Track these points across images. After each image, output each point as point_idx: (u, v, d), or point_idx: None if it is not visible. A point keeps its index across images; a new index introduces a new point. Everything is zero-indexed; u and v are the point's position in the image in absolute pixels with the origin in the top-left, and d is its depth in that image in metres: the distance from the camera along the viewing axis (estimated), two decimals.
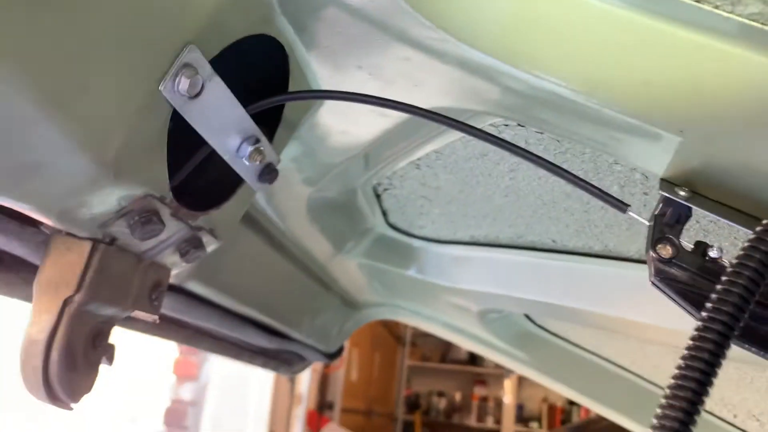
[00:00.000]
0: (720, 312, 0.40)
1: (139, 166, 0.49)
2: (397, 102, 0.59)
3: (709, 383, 0.40)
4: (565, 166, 0.75)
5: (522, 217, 0.97)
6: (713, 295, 0.41)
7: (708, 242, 0.55)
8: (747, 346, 0.52)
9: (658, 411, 0.40)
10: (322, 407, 4.56)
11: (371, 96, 0.61)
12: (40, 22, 0.37)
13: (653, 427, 0.40)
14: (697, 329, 0.41)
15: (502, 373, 7.13)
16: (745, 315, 0.41)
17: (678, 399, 0.40)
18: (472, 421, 7.55)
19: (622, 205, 0.57)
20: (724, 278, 0.41)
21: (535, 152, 0.59)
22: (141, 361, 3.85)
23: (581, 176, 0.63)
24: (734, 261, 0.42)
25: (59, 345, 0.52)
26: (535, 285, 1.10)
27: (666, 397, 0.40)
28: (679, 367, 0.40)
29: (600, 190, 0.57)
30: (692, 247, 0.55)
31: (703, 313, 0.41)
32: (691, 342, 0.41)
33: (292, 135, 0.71)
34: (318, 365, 4.33)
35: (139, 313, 0.62)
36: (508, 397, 7.07)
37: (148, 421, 3.84)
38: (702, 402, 0.40)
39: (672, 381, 0.40)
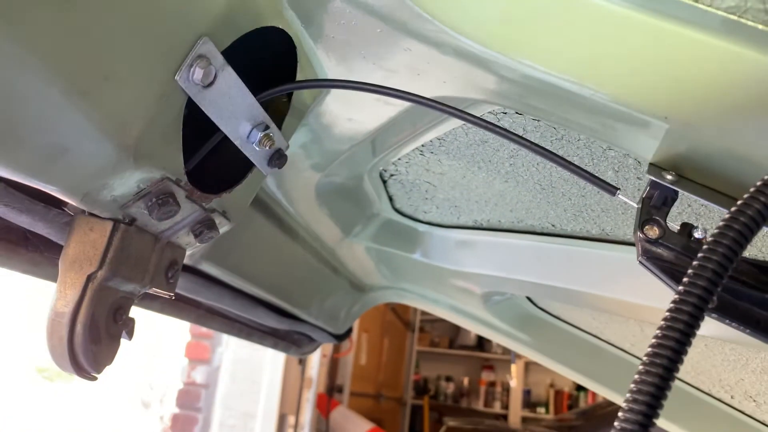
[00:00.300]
0: (695, 286, 0.43)
1: (157, 150, 0.53)
2: (398, 90, 0.62)
3: (684, 352, 0.43)
4: (560, 152, 0.79)
5: (522, 202, 1.00)
6: (690, 270, 0.44)
7: (695, 224, 0.58)
8: (727, 320, 0.55)
9: (636, 377, 0.43)
10: (331, 391, 4.62)
11: (374, 85, 0.64)
12: (67, 18, 0.41)
13: (631, 391, 0.43)
14: (674, 302, 0.44)
15: (509, 358, 7.18)
16: (718, 288, 0.44)
17: (654, 366, 0.43)
18: (479, 405, 7.62)
19: (612, 189, 0.60)
20: (700, 254, 0.44)
21: (531, 139, 0.62)
22: (155, 345, 3.92)
23: (576, 162, 0.66)
24: (710, 238, 0.45)
25: (83, 318, 0.56)
26: (535, 268, 1.13)
27: (643, 364, 0.43)
28: (656, 337, 0.43)
29: (590, 174, 0.60)
30: (678, 228, 0.58)
31: (680, 287, 0.44)
32: (667, 314, 0.44)
33: (301, 122, 0.75)
34: (328, 349, 4.38)
35: (156, 290, 0.66)
36: (515, 382, 7.12)
37: (161, 404, 3.92)
38: (677, 370, 0.43)
39: (649, 350, 0.43)
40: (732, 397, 1.34)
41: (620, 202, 0.89)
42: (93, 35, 0.43)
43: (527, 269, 1.15)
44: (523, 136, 0.78)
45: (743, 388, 1.27)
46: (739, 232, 0.44)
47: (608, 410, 4.60)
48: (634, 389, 0.43)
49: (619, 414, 0.42)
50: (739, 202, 0.45)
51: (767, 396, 1.24)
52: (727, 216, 0.45)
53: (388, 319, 6.50)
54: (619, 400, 1.49)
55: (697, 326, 0.43)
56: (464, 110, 0.62)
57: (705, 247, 0.44)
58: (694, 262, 0.44)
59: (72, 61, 0.43)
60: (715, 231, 0.45)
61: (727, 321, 0.55)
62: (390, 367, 6.75)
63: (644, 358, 0.43)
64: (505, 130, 0.61)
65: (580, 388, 7.36)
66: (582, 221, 0.99)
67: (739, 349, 1.13)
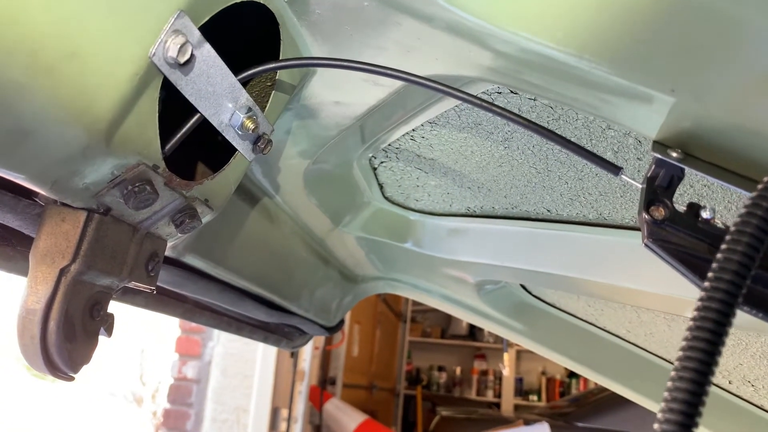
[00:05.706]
0: (722, 281, 0.40)
1: (131, 134, 0.49)
2: (385, 68, 0.59)
3: (717, 352, 0.40)
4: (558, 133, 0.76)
5: (516, 187, 0.97)
6: (714, 264, 0.41)
7: (703, 204, 0.55)
8: (754, 311, 0.51)
9: (669, 384, 0.39)
10: (324, 383, 4.60)
11: (362, 63, 0.61)
12: None
13: (665, 399, 0.39)
14: (701, 299, 0.40)
15: (501, 347, 7.19)
16: (747, 280, 0.40)
17: (687, 370, 0.39)
18: (472, 394, 7.64)
19: (614, 168, 0.57)
20: (724, 245, 0.41)
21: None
22: (145, 340, 3.88)
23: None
24: (734, 224, 0.41)
25: (57, 314, 0.53)
26: (530, 255, 1.10)
27: (675, 369, 0.40)
28: (686, 339, 0.40)
29: (592, 153, 0.57)
30: (685, 208, 0.55)
31: (706, 283, 0.41)
32: (696, 312, 0.40)
33: (285, 105, 0.71)
34: (320, 342, 4.36)
35: (135, 284, 0.62)
36: (507, 371, 7.14)
37: (153, 399, 3.89)
38: (712, 372, 0.39)
39: (680, 353, 0.40)
40: (730, 383, 1.32)
41: (619, 186, 0.86)
42: (58, 6, 0.40)
43: (522, 256, 1.12)
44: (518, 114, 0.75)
45: (741, 373, 1.25)
46: (767, 212, 0.41)
47: (600, 397, 4.62)
48: (668, 397, 0.39)
49: (655, 426, 0.39)
50: (765, 180, 0.42)
51: (766, 381, 1.22)
52: (750, 199, 0.42)
53: (380, 310, 6.48)
54: (615, 386, 1.48)
55: (730, 324, 0.40)
56: (455, 87, 0.59)
57: (729, 235, 0.41)
58: (719, 255, 0.41)
59: (34, 35, 0.39)
60: (739, 216, 0.42)
61: (753, 312, 0.51)
62: (382, 358, 6.74)
63: (676, 363, 0.40)
64: (502, 108, 0.57)
65: (572, 375, 7.40)
66: (579, 206, 0.96)
67: (738, 334, 1.11)
